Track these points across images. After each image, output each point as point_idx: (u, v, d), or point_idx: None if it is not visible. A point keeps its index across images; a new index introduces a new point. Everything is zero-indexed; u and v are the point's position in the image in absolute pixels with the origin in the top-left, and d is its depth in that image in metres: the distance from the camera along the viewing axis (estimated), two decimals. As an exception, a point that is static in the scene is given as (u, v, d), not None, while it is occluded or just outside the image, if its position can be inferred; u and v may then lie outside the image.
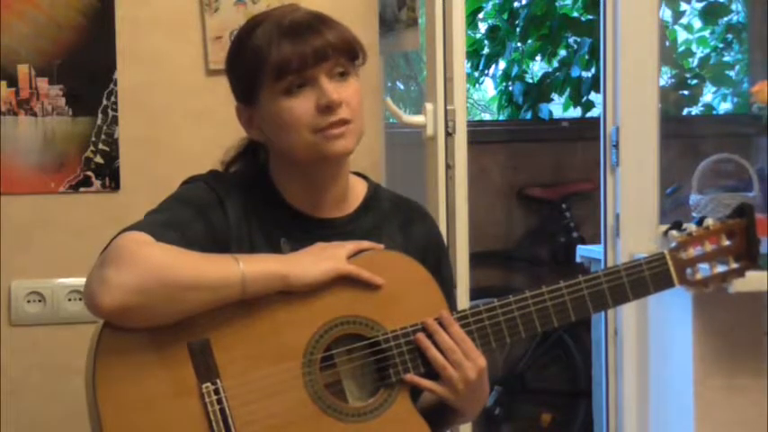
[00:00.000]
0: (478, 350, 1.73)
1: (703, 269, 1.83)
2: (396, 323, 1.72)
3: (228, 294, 1.64)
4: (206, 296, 1.62)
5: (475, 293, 2.69)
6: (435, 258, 1.84)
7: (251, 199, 1.78)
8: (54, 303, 2.53)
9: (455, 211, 2.56)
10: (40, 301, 2.53)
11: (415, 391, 1.75)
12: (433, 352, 1.71)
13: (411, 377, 1.71)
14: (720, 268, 1.84)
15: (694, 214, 3.13)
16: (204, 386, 1.63)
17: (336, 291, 1.70)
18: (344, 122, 1.72)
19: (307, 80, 1.71)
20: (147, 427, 1.61)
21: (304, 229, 1.78)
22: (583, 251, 3.77)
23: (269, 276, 1.66)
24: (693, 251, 1.82)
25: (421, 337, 1.72)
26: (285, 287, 1.67)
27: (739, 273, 1.85)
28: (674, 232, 1.83)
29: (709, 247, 1.83)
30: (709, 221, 1.85)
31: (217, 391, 1.63)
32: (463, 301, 2.50)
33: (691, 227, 1.83)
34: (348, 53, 1.75)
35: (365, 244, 1.74)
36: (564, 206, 4.75)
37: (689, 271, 1.82)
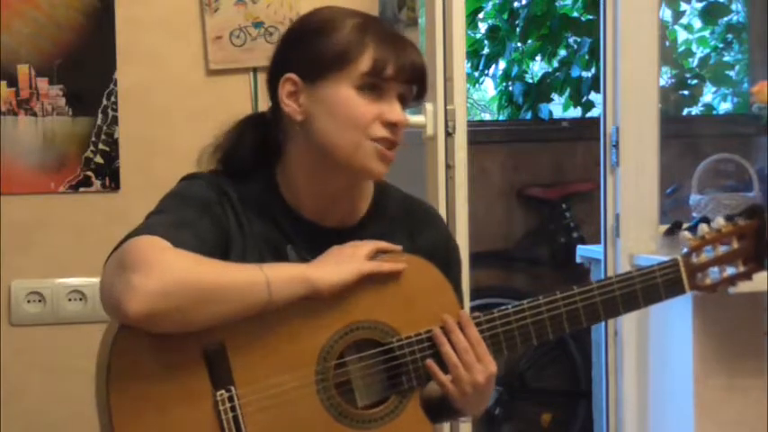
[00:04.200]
0: (491, 356, 1.73)
1: (713, 273, 1.82)
2: (410, 328, 1.71)
3: (256, 300, 1.61)
4: (234, 299, 1.60)
5: (475, 293, 2.69)
6: (442, 264, 1.80)
7: (253, 201, 1.76)
8: (54, 303, 2.53)
9: (455, 211, 2.56)
10: (39, 301, 2.53)
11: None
12: (447, 349, 1.70)
13: (430, 363, 1.70)
14: (729, 271, 1.83)
15: (694, 214, 3.12)
16: (219, 393, 1.62)
17: (352, 295, 1.68)
18: (394, 146, 1.72)
19: (382, 89, 1.70)
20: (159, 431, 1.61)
21: (309, 238, 1.76)
22: (583, 251, 3.77)
23: (294, 280, 1.64)
24: (705, 255, 1.81)
25: (438, 332, 1.71)
26: (311, 290, 1.65)
27: (746, 276, 1.84)
28: (686, 234, 1.82)
29: (720, 250, 1.82)
30: (721, 222, 1.83)
31: (231, 399, 1.62)
32: (463, 301, 2.50)
33: (703, 228, 1.82)
34: (421, 87, 1.75)
35: (383, 245, 1.73)
36: (564, 206, 4.75)
37: (699, 276, 1.81)
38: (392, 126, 1.70)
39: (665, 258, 1.83)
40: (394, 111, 1.70)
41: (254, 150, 1.80)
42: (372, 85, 1.69)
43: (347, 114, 1.69)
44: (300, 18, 1.81)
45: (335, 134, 1.70)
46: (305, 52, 1.73)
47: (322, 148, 1.71)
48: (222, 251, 1.68)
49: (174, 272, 1.57)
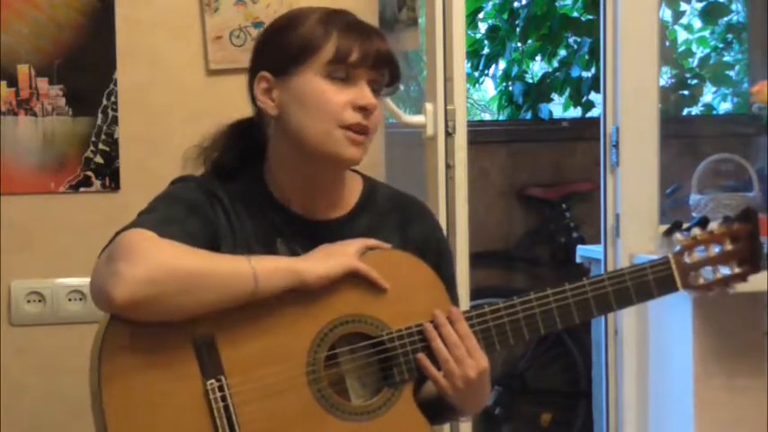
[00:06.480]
0: (482, 351, 1.73)
1: (706, 273, 1.83)
2: (401, 323, 1.72)
3: (242, 289, 1.63)
4: (219, 288, 1.62)
5: (475, 293, 2.69)
6: (434, 258, 1.83)
7: (243, 200, 1.78)
8: (54, 303, 2.53)
9: (455, 211, 2.56)
10: (39, 301, 2.53)
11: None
12: (438, 343, 1.71)
13: (422, 357, 1.71)
14: (723, 272, 1.83)
15: (694, 214, 3.13)
16: (209, 383, 1.63)
17: (343, 289, 1.70)
18: (366, 131, 1.73)
19: (351, 77, 1.72)
20: (151, 423, 1.61)
21: (299, 231, 1.78)
22: (583, 251, 3.77)
23: (281, 271, 1.65)
24: (698, 255, 1.82)
25: (429, 327, 1.72)
26: (298, 282, 1.66)
27: (741, 278, 1.84)
28: (678, 235, 1.83)
29: (713, 251, 1.82)
30: (713, 225, 1.84)
31: (221, 389, 1.63)
32: (463, 301, 2.50)
33: (695, 230, 1.83)
34: (393, 74, 1.77)
35: (371, 242, 1.74)
36: (564, 206, 4.76)
37: (692, 275, 1.82)
38: (363, 110, 1.71)
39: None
40: (364, 95, 1.72)
41: (239, 154, 1.83)
42: (340, 73, 1.72)
43: (317, 103, 1.71)
44: (271, 21, 1.85)
45: (307, 124, 1.72)
46: (273, 49, 1.77)
47: (296, 139, 1.74)
48: (211, 249, 1.69)
49: (160, 259, 1.59)
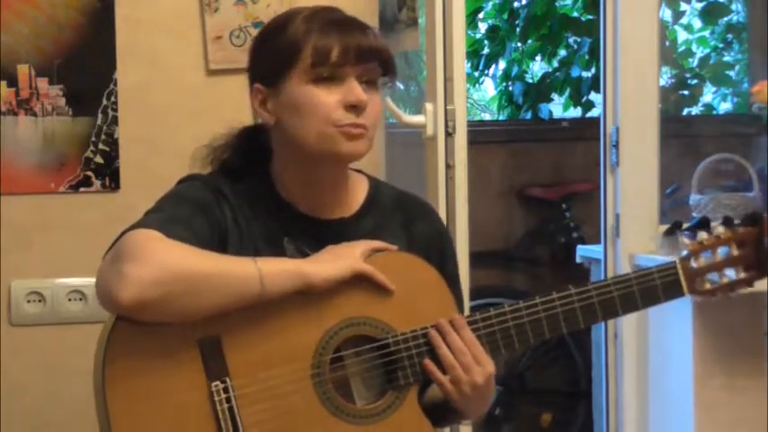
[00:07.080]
0: (488, 355, 1.73)
1: (712, 278, 1.82)
2: (406, 325, 1.71)
3: (248, 291, 1.63)
4: (225, 290, 1.61)
5: (475, 293, 2.69)
6: (439, 256, 1.83)
7: (249, 198, 1.78)
8: (54, 303, 2.53)
9: (455, 211, 2.56)
10: (40, 301, 2.53)
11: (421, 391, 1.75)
12: (444, 350, 1.71)
13: (428, 363, 1.70)
14: (729, 277, 1.82)
15: (694, 214, 3.13)
16: (213, 385, 1.63)
17: (348, 292, 1.69)
18: (362, 127, 1.72)
19: (338, 75, 1.71)
20: (155, 424, 1.61)
21: (305, 230, 1.78)
22: (583, 251, 3.77)
23: (287, 273, 1.65)
24: (704, 260, 1.80)
25: (434, 333, 1.71)
26: (305, 284, 1.66)
27: (747, 283, 1.83)
28: (685, 239, 1.82)
29: (719, 255, 1.81)
30: (720, 229, 1.83)
31: (226, 390, 1.63)
32: (462, 293, 2.50)
33: (702, 234, 1.82)
34: (384, 65, 1.76)
35: (377, 244, 1.74)
36: (564, 206, 4.75)
37: (698, 280, 1.80)
38: (354, 108, 1.71)
39: (665, 259, 1.82)
40: (352, 92, 1.71)
41: (248, 155, 1.83)
42: (326, 74, 1.71)
43: (308, 107, 1.71)
44: (265, 24, 1.86)
45: (302, 129, 1.72)
46: (262, 60, 1.79)
47: (295, 144, 1.75)
48: (218, 248, 1.69)
49: (166, 261, 1.59)
